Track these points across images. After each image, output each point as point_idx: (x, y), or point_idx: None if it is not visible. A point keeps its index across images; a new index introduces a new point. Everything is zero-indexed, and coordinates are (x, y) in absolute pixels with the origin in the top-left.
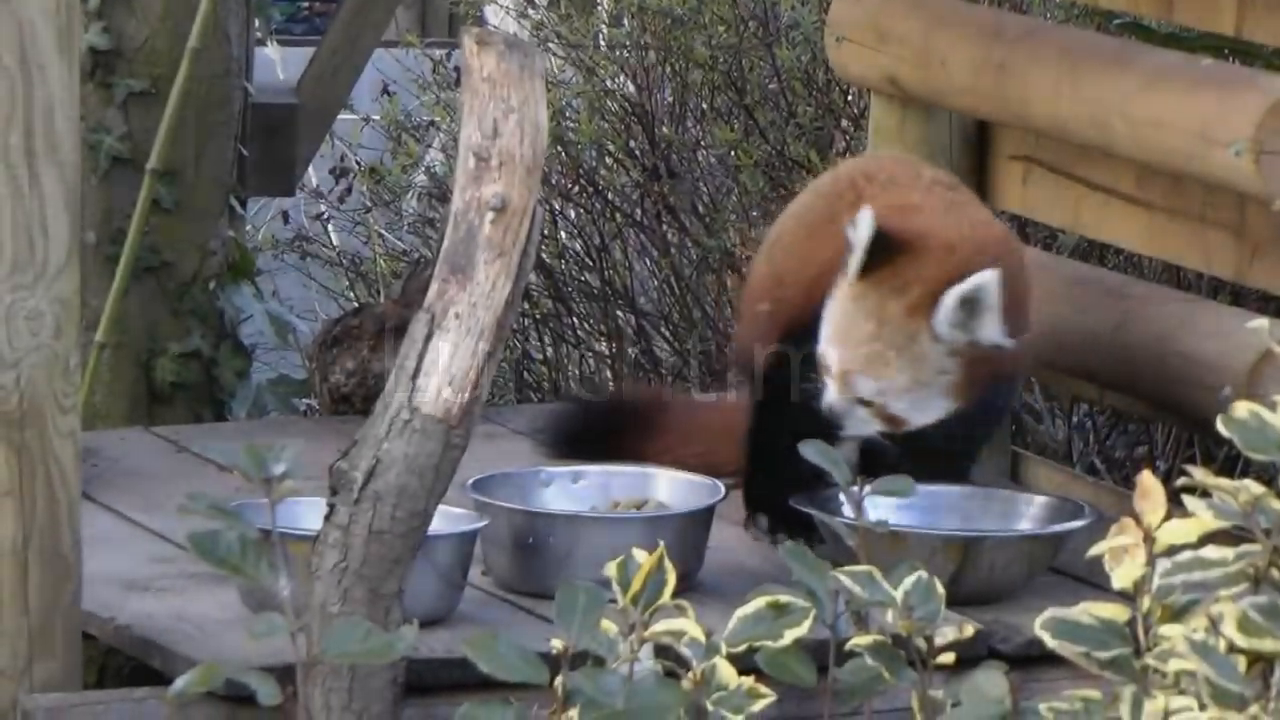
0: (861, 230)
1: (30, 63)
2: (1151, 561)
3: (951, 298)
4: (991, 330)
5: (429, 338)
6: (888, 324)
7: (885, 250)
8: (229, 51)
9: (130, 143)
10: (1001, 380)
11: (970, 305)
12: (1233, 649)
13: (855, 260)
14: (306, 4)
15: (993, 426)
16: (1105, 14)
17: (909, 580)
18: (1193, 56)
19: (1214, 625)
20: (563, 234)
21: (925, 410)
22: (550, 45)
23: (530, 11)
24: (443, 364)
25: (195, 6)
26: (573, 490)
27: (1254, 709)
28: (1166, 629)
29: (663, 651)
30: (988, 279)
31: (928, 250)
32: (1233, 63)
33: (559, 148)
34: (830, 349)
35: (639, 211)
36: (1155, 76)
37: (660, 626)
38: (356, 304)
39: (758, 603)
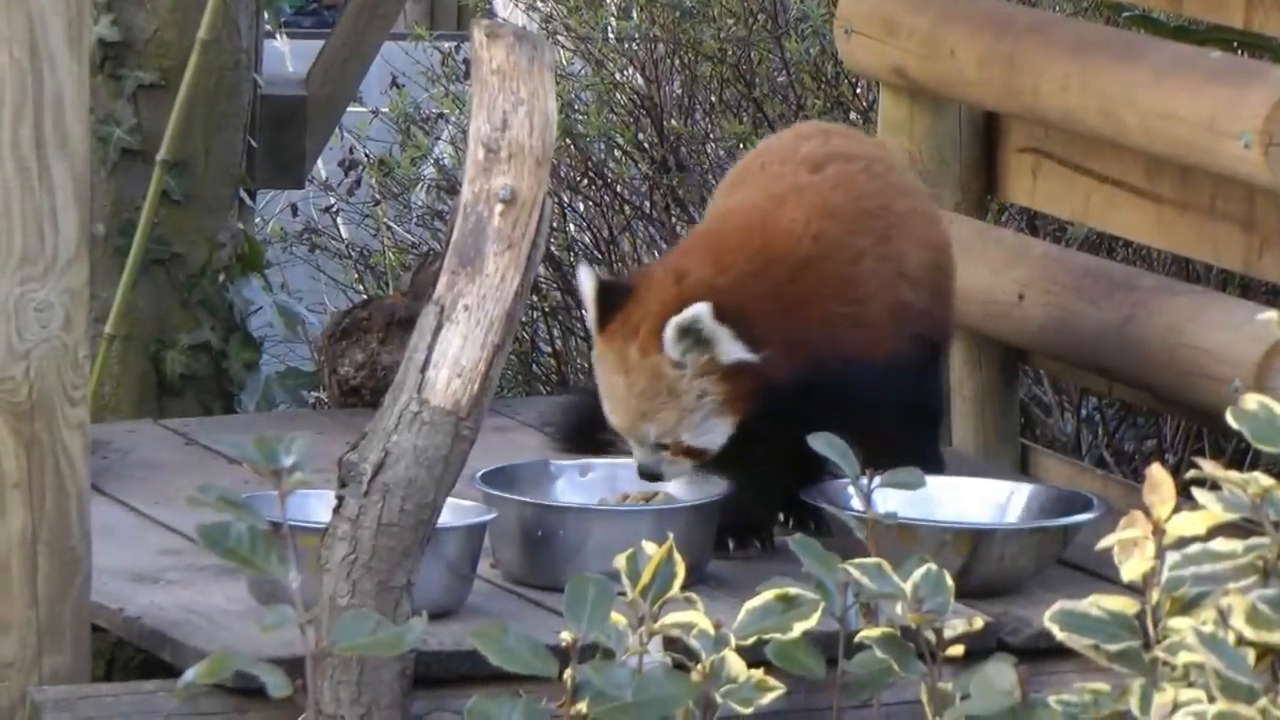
0: (584, 288)
1: (40, 55)
2: (1161, 554)
3: (670, 330)
4: (727, 351)
5: (438, 329)
6: (634, 370)
7: (614, 298)
8: (239, 43)
9: (139, 135)
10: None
11: (692, 333)
12: (1242, 641)
13: (590, 318)
14: None
15: (882, 404)
16: (1114, 7)
17: (918, 573)
18: (1202, 49)
19: (1223, 618)
20: (571, 226)
21: (710, 433)
22: (559, 38)
23: (539, 4)
24: (452, 356)
25: None
26: (581, 483)
27: (1263, 701)
28: (1175, 621)
29: (672, 644)
30: (698, 311)
31: (650, 285)
32: (1241, 55)
33: (568, 140)
34: (610, 414)
35: (648, 204)
36: (1165, 69)
37: (669, 619)
38: (365, 296)
39: (766, 595)
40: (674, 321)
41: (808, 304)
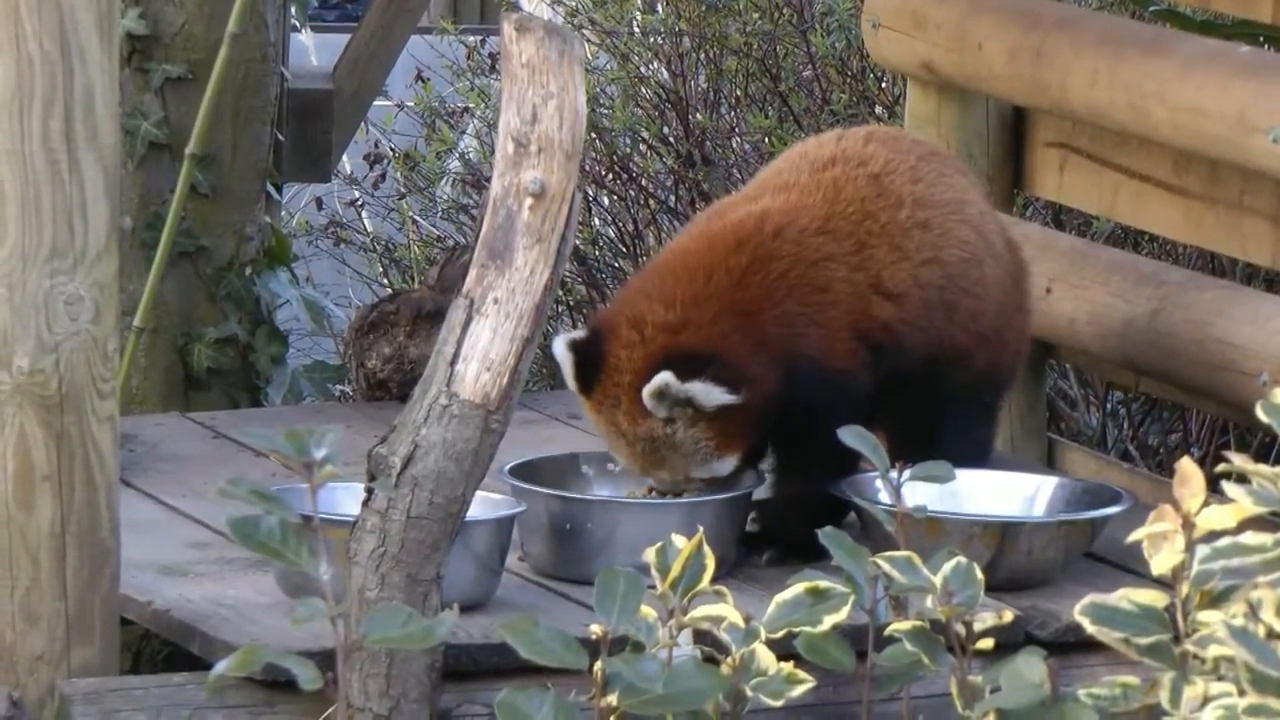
0: (559, 357)
1: (70, 48)
2: (1190, 547)
3: (647, 400)
4: (706, 399)
5: (468, 323)
6: (627, 434)
7: (590, 364)
8: (266, 37)
9: (166, 128)
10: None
11: (667, 395)
12: (1271, 634)
13: (571, 386)
14: None
15: (829, 412)
16: (1141, 2)
17: (948, 566)
18: (1230, 44)
19: (1253, 611)
20: (597, 221)
21: (719, 465)
22: (584, 32)
23: None
24: (481, 349)
25: None
26: (610, 476)
27: None
28: (1205, 615)
29: (701, 637)
30: (662, 381)
31: (617, 343)
32: (1268, 50)
33: (593, 134)
34: (619, 460)
35: (673, 198)
36: (1193, 63)
37: (699, 612)
38: (390, 290)
39: (797, 588)
40: (646, 393)
41: (761, 308)
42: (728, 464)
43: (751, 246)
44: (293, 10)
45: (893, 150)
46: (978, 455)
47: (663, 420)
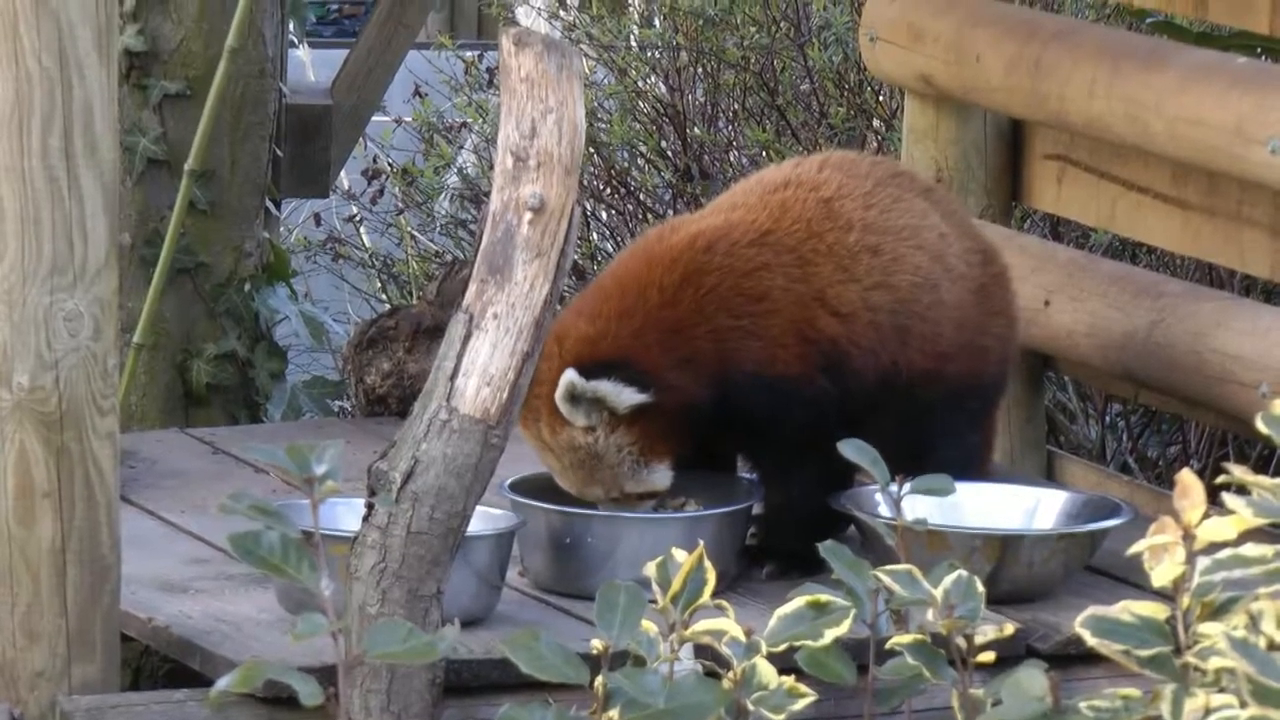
0: None
1: (69, 64)
2: (1191, 559)
3: (560, 405)
4: (616, 401)
5: (467, 338)
6: (555, 448)
7: None
8: (264, 53)
9: (165, 144)
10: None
11: (579, 399)
12: (1273, 646)
13: None
14: (336, 6)
15: (778, 422)
16: (1138, 13)
17: (949, 579)
18: (1227, 55)
19: (1254, 623)
20: (595, 235)
21: (650, 477)
22: (582, 46)
23: (562, 13)
24: (481, 364)
25: (229, 8)
26: None
27: None
28: (1206, 627)
29: (703, 651)
30: (568, 380)
31: (540, 369)
32: (1266, 61)
33: (591, 149)
34: (561, 484)
35: (671, 212)
36: (1191, 75)
37: (700, 626)
38: (389, 305)
39: (798, 602)
40: (556, 397)
41: (691, 324)
42: (660, 474)
43: (684, 263)
44: (291, 26)
45: (847, 175)
46: (970, 462)
47: (582, 428)
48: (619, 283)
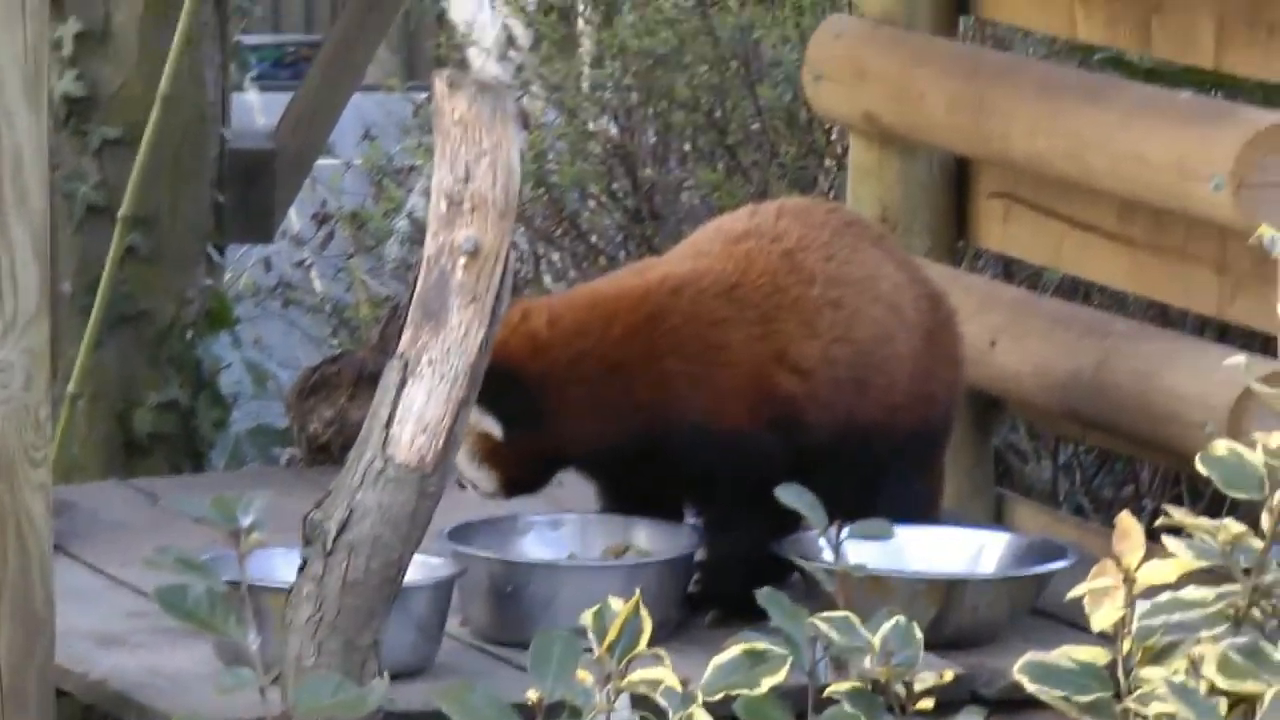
0: None
1: None
2: (1131, 603)
3: None
4: (478, 420)
5: (402, 384)
6: None
7: None
8: (205, 96)
9: (105, 191)
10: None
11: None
12: (1214, 691)
13: None
14: (293, 49)
15: (717, 476)
16: (1086, 49)
17: (887, 625)
18: (1171, 91)
19: (1194, 667)
20: (546, 277)
21: (477, 474)
22: (532, 87)
23: (512, 54)
24: (416, 411)
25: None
26: (551, 538)
27: None
28: (1147, 671)
29: (640, 701)
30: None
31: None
32: (1214, 95)
33: (542, 190)
34: None
35: (623, 254)
36: (1134, 111)
37: (637, 675)
38: (339, 351)
39: (734, 650)
40: None
41: (641, 366)
42: (484, 480)
43: (651, 302)
44: (233, 69)
45: (805, 225)
46: (919, 508)
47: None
48: (596, 298)
